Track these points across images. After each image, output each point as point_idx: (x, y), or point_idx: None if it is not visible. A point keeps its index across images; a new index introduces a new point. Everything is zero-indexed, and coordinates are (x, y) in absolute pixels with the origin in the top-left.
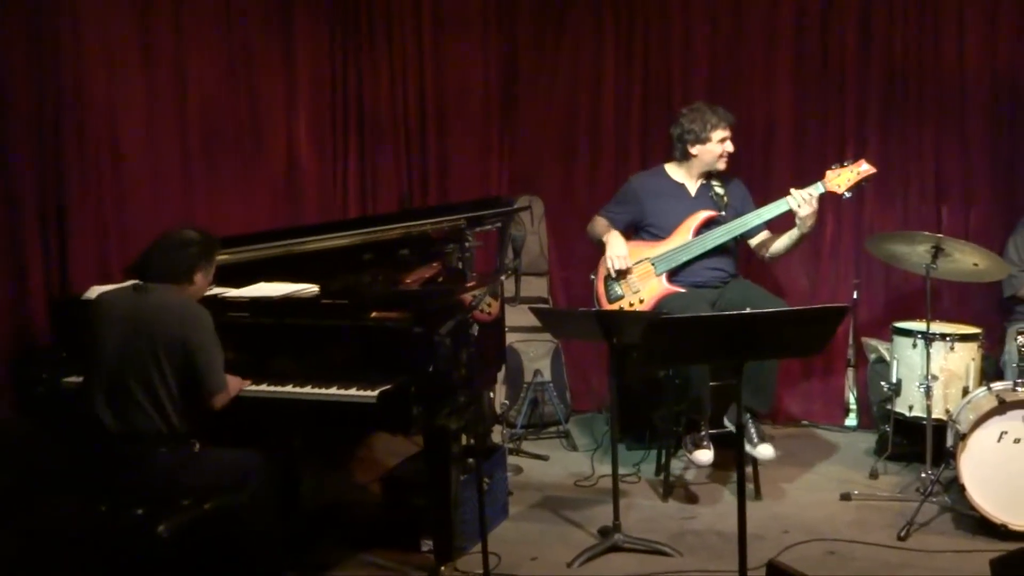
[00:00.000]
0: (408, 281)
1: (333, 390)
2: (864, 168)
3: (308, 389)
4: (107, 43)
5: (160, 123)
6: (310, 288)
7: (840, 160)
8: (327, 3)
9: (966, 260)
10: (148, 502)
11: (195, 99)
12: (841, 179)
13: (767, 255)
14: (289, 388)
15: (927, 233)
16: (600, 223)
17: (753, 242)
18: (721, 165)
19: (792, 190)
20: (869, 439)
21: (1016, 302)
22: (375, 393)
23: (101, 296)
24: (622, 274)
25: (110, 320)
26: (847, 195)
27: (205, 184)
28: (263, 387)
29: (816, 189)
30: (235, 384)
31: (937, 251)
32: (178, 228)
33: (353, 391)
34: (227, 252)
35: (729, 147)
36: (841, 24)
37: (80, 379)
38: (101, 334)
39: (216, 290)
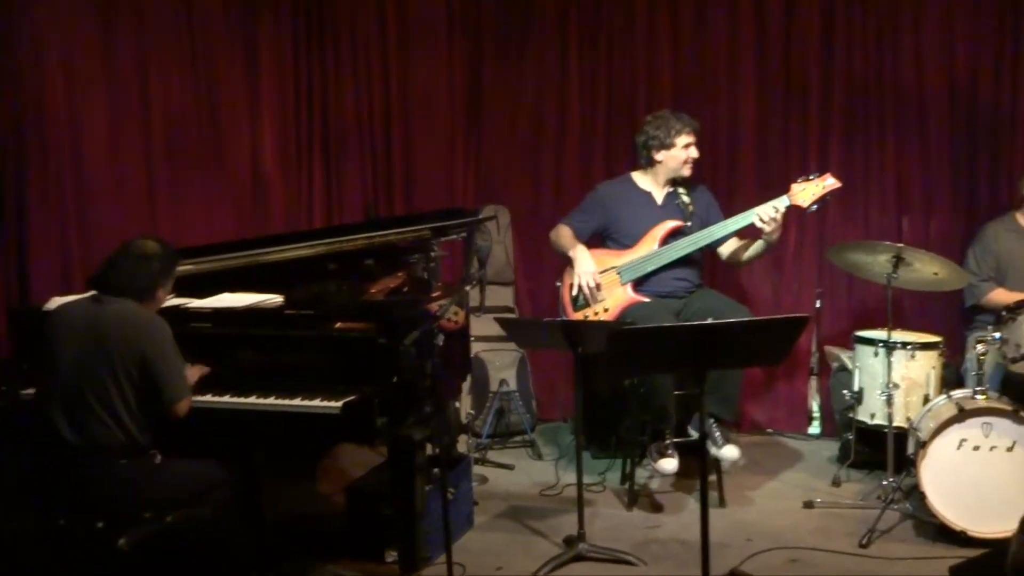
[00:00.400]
0: (373, 291)
1: (297, 401)
2: (830, 182)
3: (272, 400)
4: (68, 53)
5: (123, 133)
6: (274, 298)
7: (803, 172)
8: (291, 13)
9: (926, 269)
10: (109, 515)
11: (158, 109)
12: (806, 193)
13: (736, 262)
14: (252, 399)
15: (888, 243)
16: (565, 232)
17: (722, 251)
18: (686, 171)
19: (758, 205)
20: (832, 447)
21: (977, 311)
22: (339, 404)
23: (59, 308)
24: (591, 291)
25: (67, 332)
26: (812, 209)
27: (169, 194)
28: (226, 398)
29: (781, 203)
30: (194, 373)
31: (898, 261)
32: (139, 238)
33: (317, 402)
34: (191, 262)
35: (694, 153)
36: (802, 39)
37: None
38: (58, 346)
39: (179, 300)
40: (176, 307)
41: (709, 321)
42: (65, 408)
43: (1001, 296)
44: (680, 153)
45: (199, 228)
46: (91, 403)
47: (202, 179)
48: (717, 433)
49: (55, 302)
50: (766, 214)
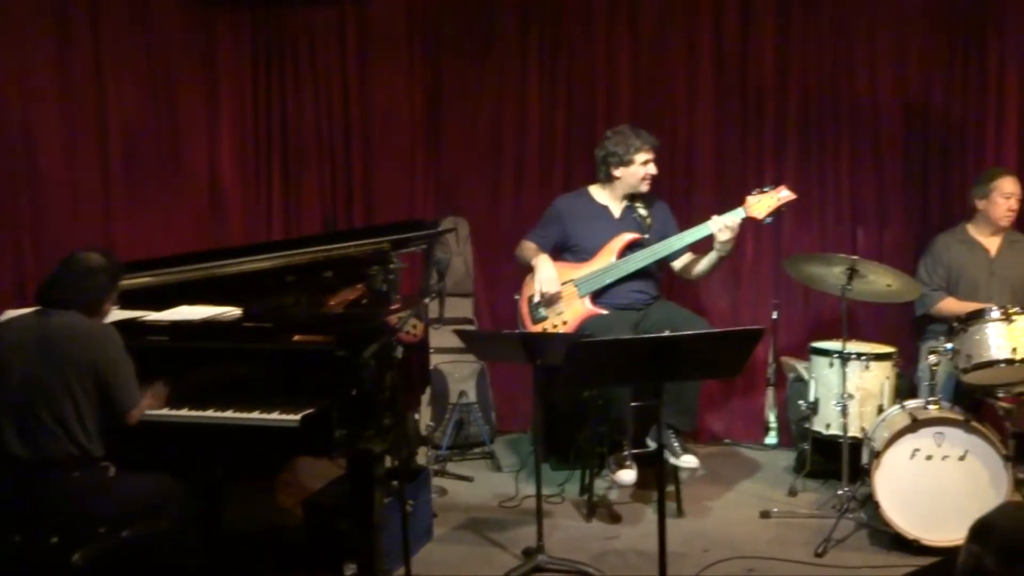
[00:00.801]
0: (332, 303)
1: (255, 414)
2: (784, 194)
3: (229, 413)
4: (23, 65)
5: (79, 145)
6: (232, 311)
7: (760, 184)
8: (250, 25)
9: (880, 281)
10: (63, 530)
11: (115, 121)
12: (761, 205)
13: (690, 277)
14: (210, 413)
15: (842, 255)
16: (528, 247)
17: (676, 265)
18: (644, 187)
19: (713, 216)
20: (789, 457)
21: (928, 321)
22: (298, 417)
23: (5, 322)
24: (551, 298)
25: (16, 346)
26: (767, 220)
27: (125, 207)
28: (183, 412)
29: (737, 215)
30: (157, 396)
31: (852, 272)
32: (82, 251)
33: (275, 415)
34: (148, 275)
35: (652, 169)
36: (759, 53)
37: None
38: (6, 360)
39: (136, 313)
40: (133, 320)
41: (666, 333)
42: (15, 423)
43: (950, 305)
44: (639, 170)
45: (156, 240)
46: (42, 416)
47: (159, 191)
48: (675, 443)
49: (8, 315)
50: (722, 225)
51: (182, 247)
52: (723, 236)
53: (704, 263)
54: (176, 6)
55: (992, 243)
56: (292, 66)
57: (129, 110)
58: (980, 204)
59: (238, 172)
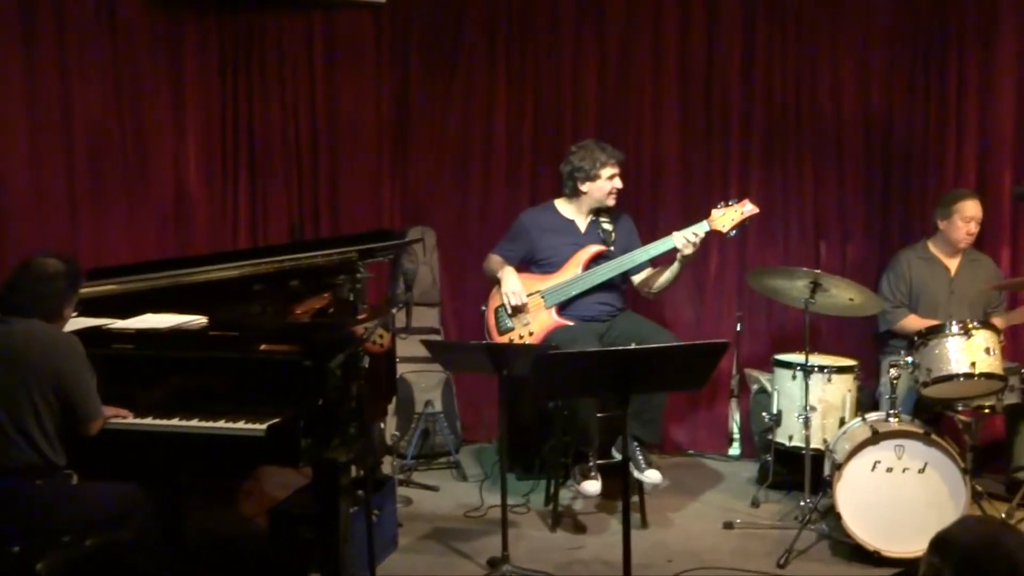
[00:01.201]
0: (298, 312)
1: (221, 423)
2: (748, 208)
3: (195, 422)
4: None
5: (44, 150)
6: (198, 319)
7: (724, 198)
8: (217, 32)
9: (842, 295)
10: (26, 539)
11: (80, 126)
12: (725, 218)
13: (650, 291)
14: (175, 421)
15: (805, 269)
16: (495, 260)
17: (636, 279)
18: (611, 201)
19: (674, 232)
20: (752, 468)
21: (890, 336)
22: (264, 426)
23: None
24: (517, 309)
25: None
26: (731, 234)
27: (90, 213)
28: (148, 420)
29: (701, 228)
30: (111, 412)
31: (815, 286)
32: (40, 257)
33: (241, 424)
34: (113, 282)
35: (618, 183)
36: (724, 68)
37: None
38: None
39: (101, 321)
40: (98, 328)
41: (632, 346)
42: None
43: (913, 322)
44: (605, 184)
45: (122, 247)
46: (3, 424)
47: (125, 198)
48: (640, 457)
49: None
50: (685, 239)
51: (147, 254)
52: (687, 250)
53: (666, 275)
54: (143, 13)
55: (952, 262)
56: (259, 74)
57: (95, 117)
58: (941, 224)
59: (204, 179)
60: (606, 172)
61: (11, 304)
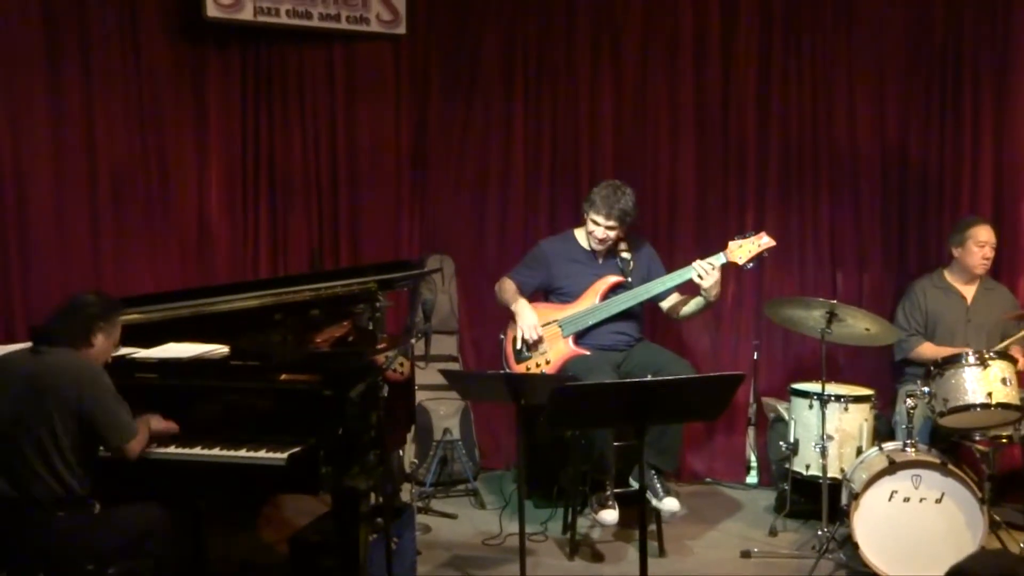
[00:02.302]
0: (319, 341)
1: (242, 452)
2: (765, 241)
3: (217, 451)
4: (12, 101)
5: (68, 182)
6: (220, 349)
7: (741, 229)
8: (240, 63)
9: (859, 325)
10: (49, 570)
11: (104, 158)
12: (743, 250)
13: (678, 317)
14: (197, 450)
15: (822, 299)
16: (508, 286)
17: (664, 305)
18: (593, 244)
19: (696, 261)
20: (769, 496)
21: (906, 364)
22: (284, 455)
23: None
24: (532, 344)
25: (4, 384)
26: (748, 266)
27: (114, 243)
28: (171, 449)
29: (718, 260)
30: (163, 425)
31: (831, 316)
32: (80, 292)
33: (262, 453)
34: (136, 312)
35: (599, 234)
36: (740, 99)
37: None
38: None
39: (125, 350)
40: (121, 357)
41: (648, 377)
42: (1, 460)
43: (929, 350)
44: (590, 225)
45: (144, 277)
46: (28, 455)
47: (148, 228)
48: (658, 485)
49: None
50: (703, 270)
51: (170, 284)
52: (705, 282)
53: (691, 306)
54: (166, 44)
55: (968, 290)
56: (280, 104)
57: (118, 147)
58: (956, 252)
59: (226, 209)
60: (591, 216)
61: (42, 332)
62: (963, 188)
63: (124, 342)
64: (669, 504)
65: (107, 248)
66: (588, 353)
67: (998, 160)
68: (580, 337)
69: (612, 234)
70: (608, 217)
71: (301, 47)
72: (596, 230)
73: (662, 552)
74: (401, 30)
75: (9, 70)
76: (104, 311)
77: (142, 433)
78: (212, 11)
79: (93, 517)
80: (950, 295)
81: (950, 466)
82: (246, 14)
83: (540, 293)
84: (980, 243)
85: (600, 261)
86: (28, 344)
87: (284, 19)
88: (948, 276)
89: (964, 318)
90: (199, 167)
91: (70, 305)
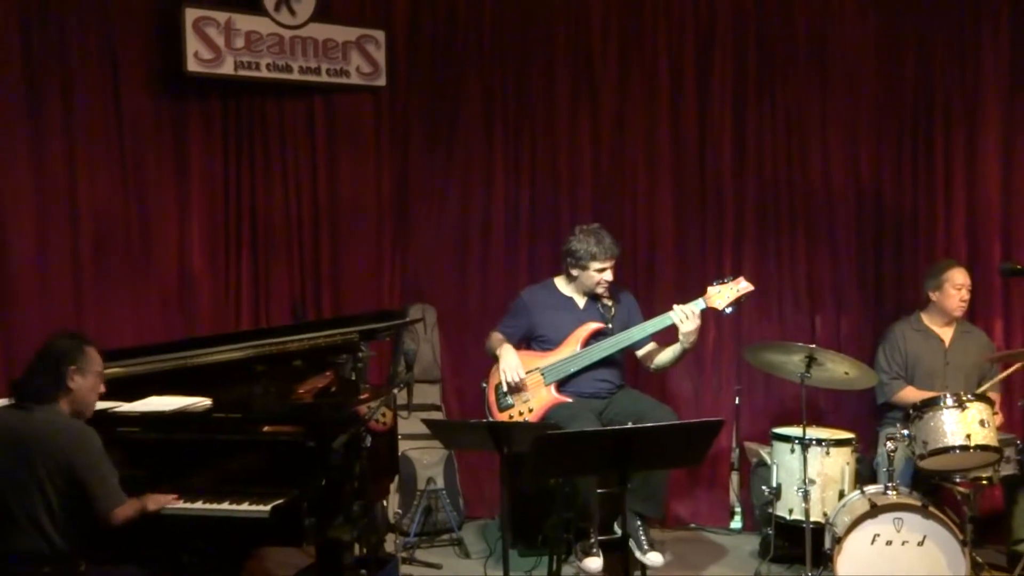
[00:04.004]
0: (301, 391)
1: (225, 505)
2: (743, 286)
3: (199, 504)
4: None
5: (50, 232)
6: (203, 402)
7: (719, 273)
8: (221, 115)
9: (838, 369)
10: None
11: (86, 208)
12: (721, 296)
13: (652, 366)
14: (180, 504)
15: (800, 344)
16: (495, 337)
17: (639, 353)
18: (600, 290)
19: (675, 306)
20: (754, 541)
21: (887, 408)
22: (268, 508)
23: None
24: (515, 387)
25: None
26: (728, 311)
27: (95, 295)
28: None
29: (697, 305)
30: (163, 501)
31: (811, 360)
32: (48, 339)
33: (245, 506)
34: (118, 365)
35: (608, 276)
36: (716, 145)
37: None
38: None
39: (106, 404)
40: (103, 411)
41: (629, 425)
42: None
43: (910, 394)
44: (594, 275)
45: (126, 329)
46: (15, 513)
47: (130, 280)
48: (642, 536)
49: None
50: (683, 315)
51: (152, 336)
52: (686, 327)
53: (668, 353)
54: (148, 97)
55: (946, 332)
56: (262, 156)
57: (100, 198)
58: (933, 295)
59: (208, 260)
60: (595, 265)
61: (22, 388)
62: (937, 230)
63: (106, 396)
64: (652, 559)
65: (89, 298)
66: (570, 400)
67: (971, 202)
68: (562, 384)
69: (611, 274)
70: (611, 258)
71: (282, 100)
72: (604, 275)
73: None
74: (381, 82)
75: None
76: (71, 352)
77: (131, 507)
78: (193, 66)
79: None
80: (929, 338)
81: (931, 508)
82: (226, 68)
83: (523, 341)
84: (957, 286)
85: (581, 307)
86: (7, 400)
87: (264, 73)
88: (926, 319)
89: (943, 360)
90: (181, 218)
91: (40, 356)
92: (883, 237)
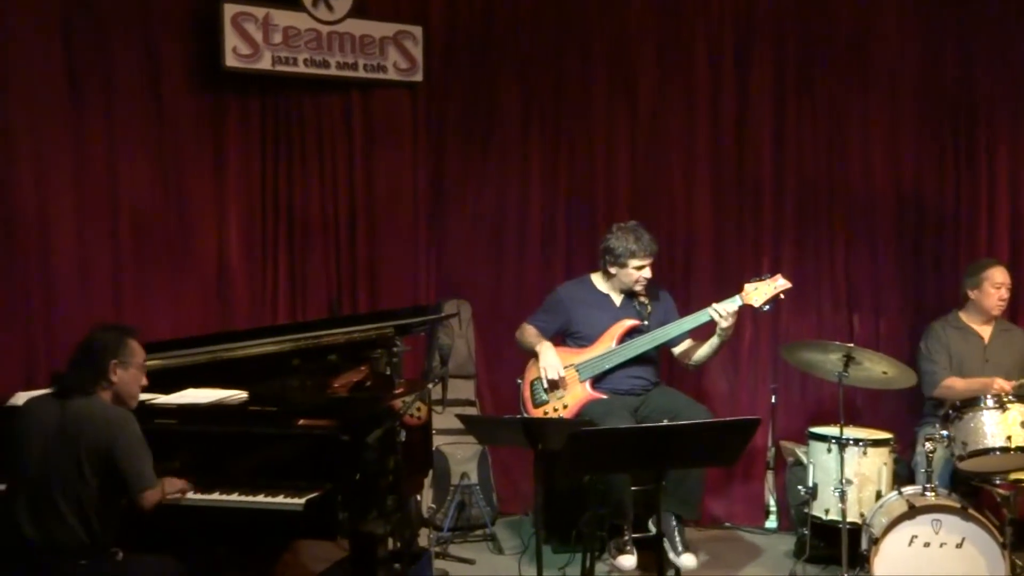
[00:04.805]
0: (336, 385)
1: (260, 498)
2: (780, 283)
3: (235, 496)
4: (37, 145)
5: (90, 228)
6: (239, 394)
7: (757, 271)
8: (259, 111)
9: (876, 368)
10: None
11: (126, 204)
12: (759, 293)
13: (689, 363)
14: (216, 495)
15: (838, 343)
16: (529, 331)
17: (676, 351)
18: (638, 288)
19: (712, 303)
20: (789, 541)
21: (926, 407)
22: (302, 501)
23: (27, 403)
24: (553, 384)
25: (35, 428)
26: (765, 308)
27: (134, 289)
28: (189, 495)
29: (734, 302)
30: (178, 485)
31: (848, 360)
32: (90, 332)
33: (280, 498)
34: (156, 357)
35: (647, 273)
36: (755, 142)
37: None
38: (25, 442)
39: (144, 396)
40: (141, 403)
41: (665, 422)
42: (30, 506)
43: (958, 384)
44: (632, 273)
45: (165, 322)
46: (56, 500)
47: (168, 274)
48: (677, 537)
49: (20, 397)
50: (720, 313)
51: (190, 329)
52: (723, 323)
53: (704, 349)
54: (187, 94)
55: (985, 330)
56: (299, 151)
57: (140, 193)
58: (972, 294)
59: (245, 254)
60: (634, 263)
61: (65, 382)
62: (980, 231)
63: (144, 388)
64: (686, 560)
65: (128, 292)
66: (605, 397)
67: (1015, 202)
68: (597, 381)
69: (650, 271)
70: (649, 256)
71: (319, 95)
72: (643, 272)
73: None
74: (418, 78)
75: (34, 118)
76: (113, 345)
77: (160, 488)
78: (231, 61)
79: (116, 565)
80: (968, 335)
81: (970, 510)
82: (264, 64)
83: (558, 337)
84: (996, 284)
85: (618, 305)
86: (50, 390)
87: (302, 68)
88: (964, 317)
89: (982, 358)
90: (219, 213)
91: (82, 350)
92: (924, 237)
